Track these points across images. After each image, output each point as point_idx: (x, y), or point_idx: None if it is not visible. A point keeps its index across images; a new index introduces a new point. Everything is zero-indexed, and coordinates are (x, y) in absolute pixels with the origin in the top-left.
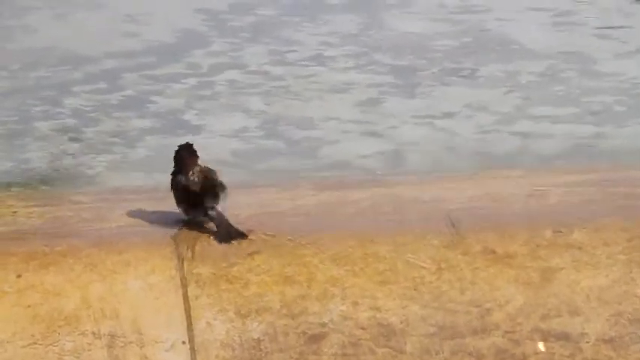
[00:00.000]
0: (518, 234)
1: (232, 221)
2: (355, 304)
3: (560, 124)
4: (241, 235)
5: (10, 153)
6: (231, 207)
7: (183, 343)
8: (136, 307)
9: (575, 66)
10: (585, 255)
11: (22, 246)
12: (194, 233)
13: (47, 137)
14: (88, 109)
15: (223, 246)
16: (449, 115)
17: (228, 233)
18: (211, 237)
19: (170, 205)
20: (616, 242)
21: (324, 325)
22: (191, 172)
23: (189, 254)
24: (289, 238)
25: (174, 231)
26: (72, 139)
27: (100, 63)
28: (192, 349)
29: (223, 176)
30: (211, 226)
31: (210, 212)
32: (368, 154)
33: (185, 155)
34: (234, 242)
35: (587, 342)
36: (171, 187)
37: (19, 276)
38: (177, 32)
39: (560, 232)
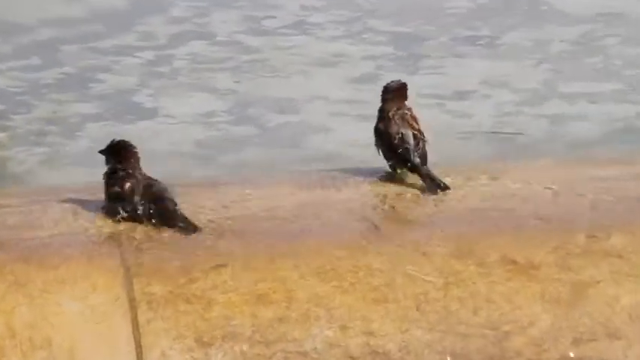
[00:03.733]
0: (544, 240)
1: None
2: (344, 327)
3: (597, 103)
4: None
5: None
6: (193, 207)
7: None
8: (74, 335)
9: (616, 31)
10: (626, 265)
11: None
12: (146, 242)
13: None
14: (17, 90)
15: (181, 258)
16: (462, 94)
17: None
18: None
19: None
20: None
21: (305, 354)
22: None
23: (139, 268)
24: (263, 247)
25: (120, 240)
26: None
27: (33, 33)
28: None
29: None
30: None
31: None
32: (361, 143)
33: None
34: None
35: None
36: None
37: None
38: None
39: (595, 236)
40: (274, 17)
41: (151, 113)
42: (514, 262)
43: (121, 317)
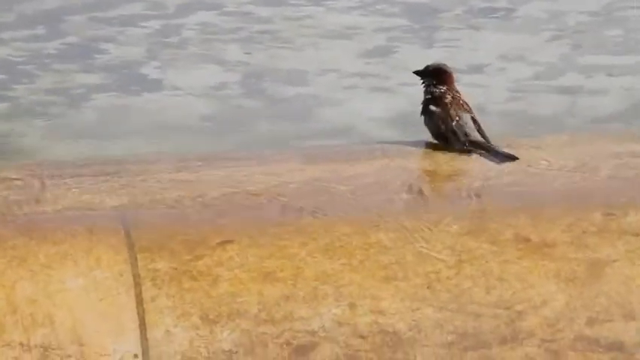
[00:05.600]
0: (559, 217)
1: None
2: (353, 306)
3: (616, 77)
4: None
5: None
6: (198, 184)
7: (136, 356)
8: (76, 312)
9: (638, 2)
10: None
11: None
12: (151, 218)
13: None
14: (20, 60)
15: (187, 234)
16: (477, 67)
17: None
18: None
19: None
20: None
21: (313, 333)
22: None
23: (143, 243)
24: (271, 223)
25: (124, 215)
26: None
27: (37, 1)
28: None
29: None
30: None
31: None
32: (374, 117)
33: None
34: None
35: None
36: None
37: None
38: None
39: (613, 214)
40: None
41: (157, 85)
42: (528, 240)
43: (125, 294)
